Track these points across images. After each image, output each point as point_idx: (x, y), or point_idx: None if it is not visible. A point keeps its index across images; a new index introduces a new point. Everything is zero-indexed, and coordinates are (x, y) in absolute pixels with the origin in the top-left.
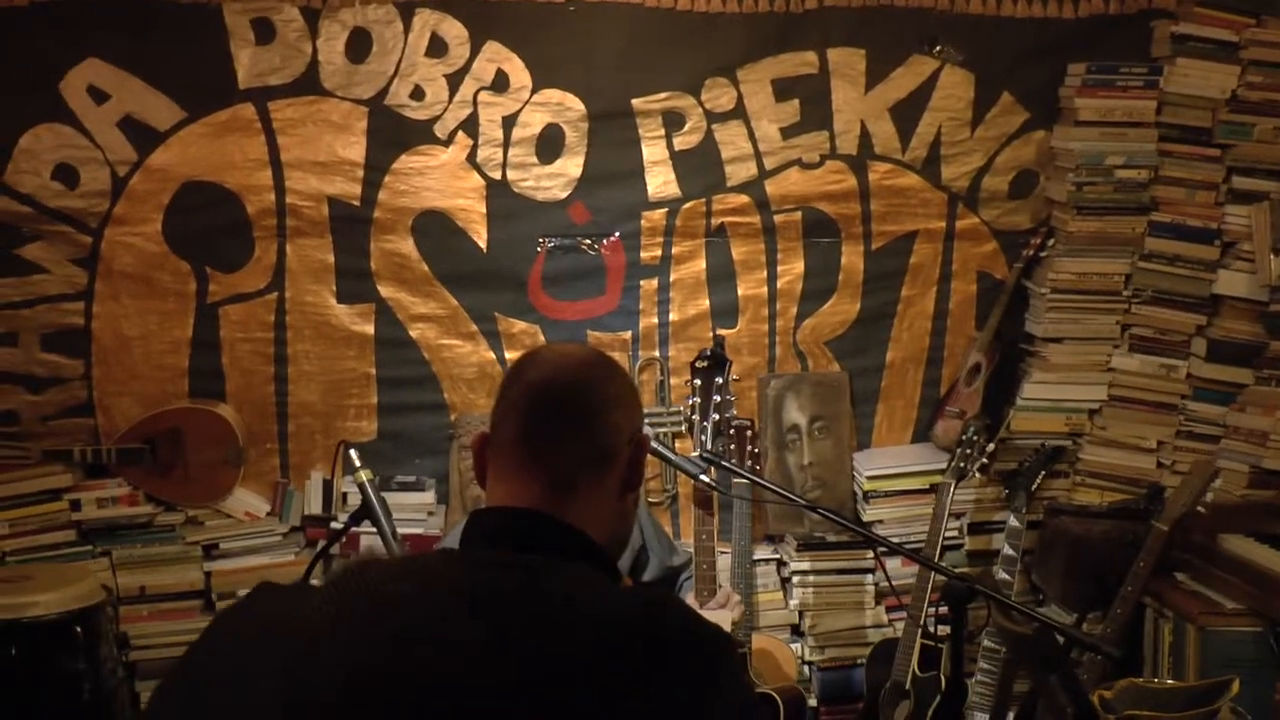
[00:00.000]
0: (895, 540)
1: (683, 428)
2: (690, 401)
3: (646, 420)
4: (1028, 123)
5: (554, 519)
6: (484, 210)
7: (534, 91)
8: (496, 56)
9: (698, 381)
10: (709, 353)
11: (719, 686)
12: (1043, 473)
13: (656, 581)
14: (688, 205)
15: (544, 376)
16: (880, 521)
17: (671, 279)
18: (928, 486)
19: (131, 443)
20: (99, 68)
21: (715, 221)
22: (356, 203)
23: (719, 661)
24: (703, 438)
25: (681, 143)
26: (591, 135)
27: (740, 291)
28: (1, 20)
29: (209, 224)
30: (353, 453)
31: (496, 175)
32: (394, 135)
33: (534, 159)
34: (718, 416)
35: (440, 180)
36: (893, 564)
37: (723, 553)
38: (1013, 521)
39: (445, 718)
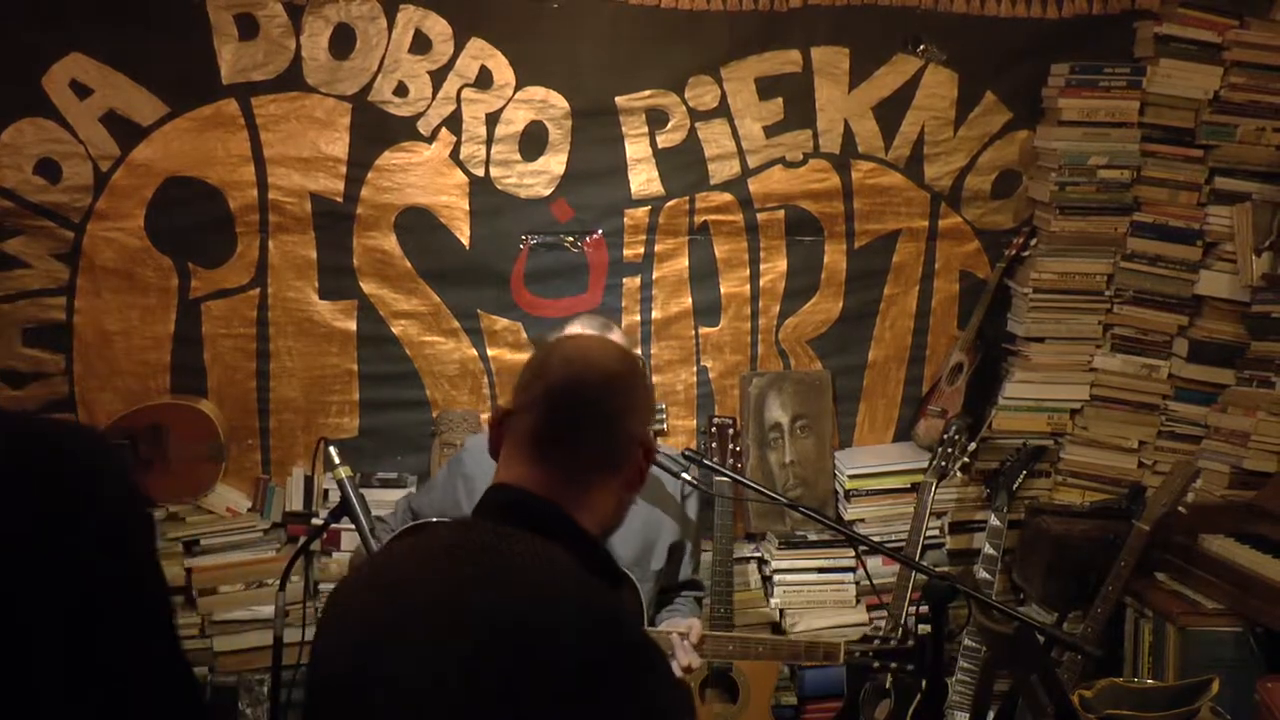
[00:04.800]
0: (876, 539)
1: (663, 425)
2: None
3: None
4: (1011, 122)
5: (550, 504)
6: (467, 207)
7: (517, 89)
8: (480, 53)
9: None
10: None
11: (623, 695)
12: (1024, 472)
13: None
14: (671, 203)
15: (569, 378)
16: (862, 520)
17: (654, 277)
18: (909, 485)
19: (112, 438)
20: (82, 62)
21: (698, 219)
22: (339, 199)
23: (628, 675)
24: None
25: (665, 140)
26: (575, 133)
27: (723, 290)
28: None
29: (192, 219)
30: (333, 449)
31: (479, 172)
32: (377, 131)
33: (517, 156)
34: None
35: (423, 177)
36: (874, 563)
37: (705, 551)
38: (994, 521)
39: (412, 669)
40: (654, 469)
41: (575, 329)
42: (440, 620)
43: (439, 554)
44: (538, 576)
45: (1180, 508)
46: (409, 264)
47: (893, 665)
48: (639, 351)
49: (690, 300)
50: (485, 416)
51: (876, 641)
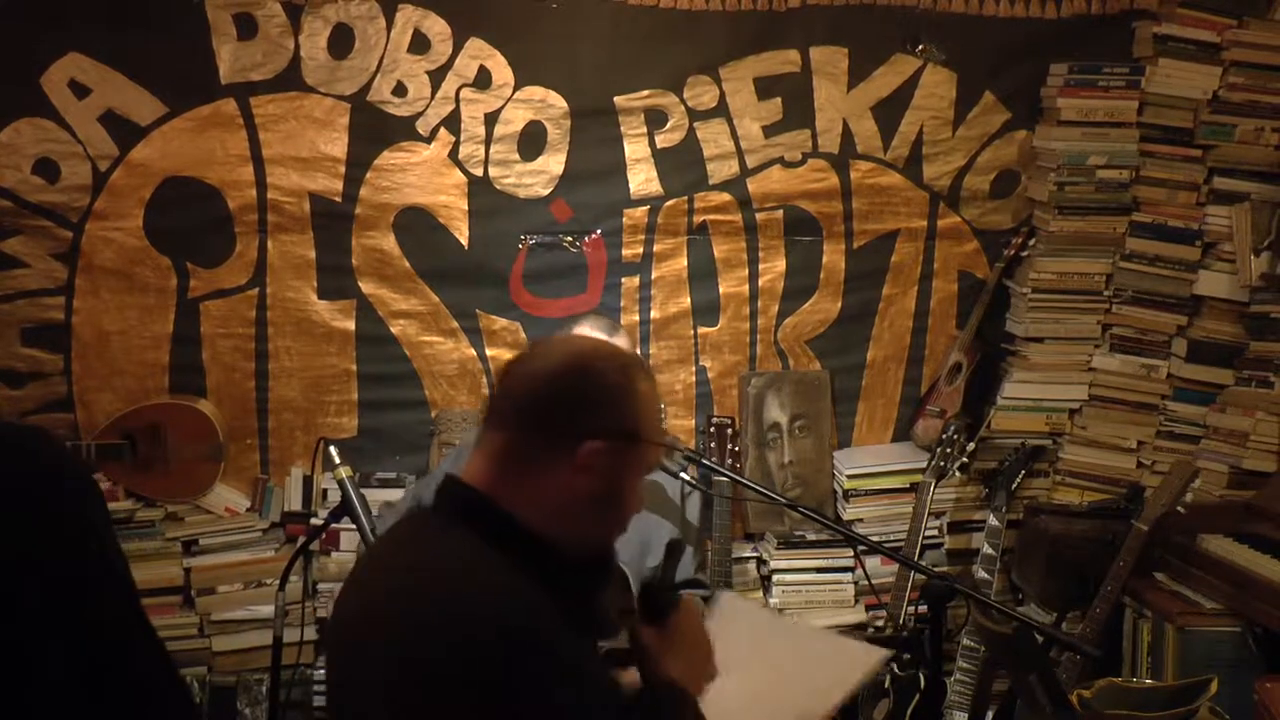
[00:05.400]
0: (875, 539)
1: (662, 426)
2: None
3: None
4: (1009, 122)
5: (480, 495)
6: (466, 207)
7: (516, 88)
8: (479, 53)
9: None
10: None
11: (473, 693)
12: (1023, 472)
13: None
14: (669, 203)
15: (523, 370)
16: (860, 520)
17: (653, 277)
18: (908, 485)
19: (111, 438)
20: (80, 62)
21: (697, 219)
22: (338, 199)
23: (479, 676)
24: None
25: (664, 140)
26: (574, 132)
27: (721, 289)
28: None
29: (190, 219)
30: (333, 449)
31: (478, 172)
32: (376, 131)
33: (516, 156)
34: None
35: (422, 177)
36: (872, 563)
37: (707, 551)
38: (992, 520)
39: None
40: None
41: (583, 330)
42: (359, 624)
43: (387, 550)
44: (429, 571)
45: (1179, 508)
46: (408, 264)
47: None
48: (638, 352)
49: (689, 300)
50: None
51: (871, 630)
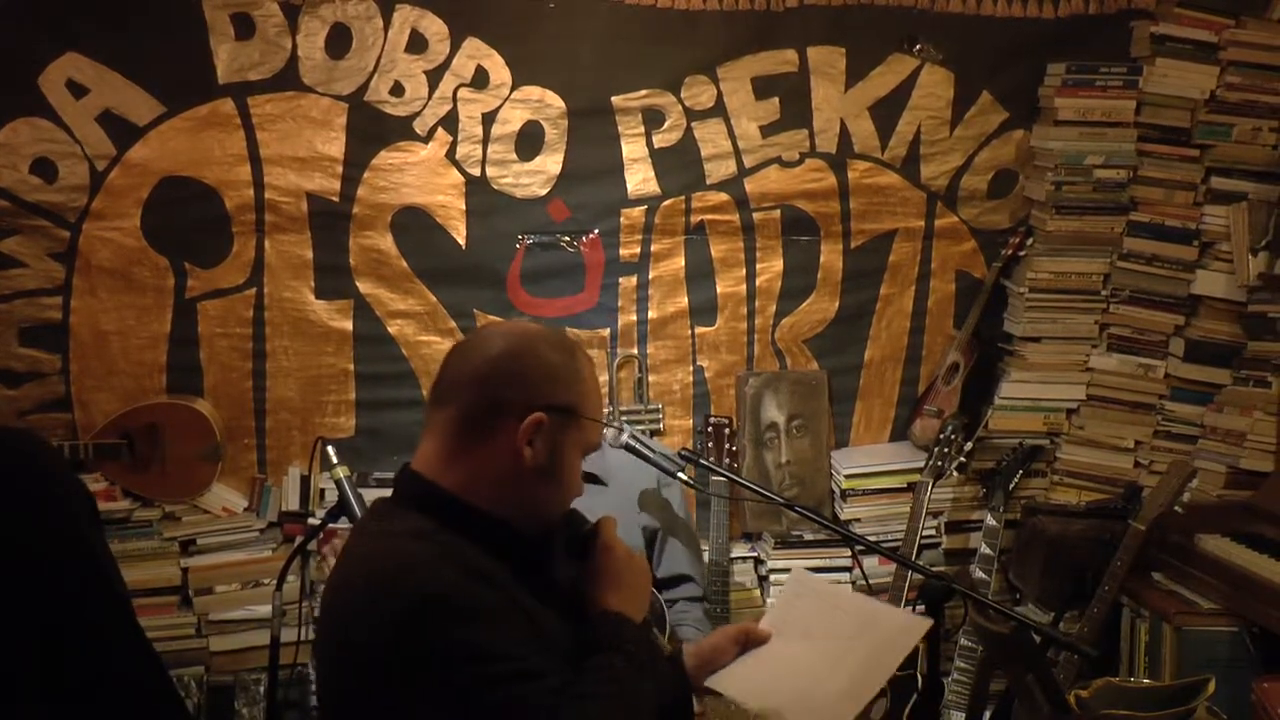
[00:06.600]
0: (873, 539)
1: (660, 425)
2: None
3: (625, 418)
4: (1007, 122)
5: (427, 482)
6: (463, 207)
7: (514, 88)
8: (477, 53)
9: None
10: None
11: (401, 642)
12: (1020, 472)
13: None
14: (667, 203)
15: (466, 352)
16: (858, 520)
17: (650, 276)
18: (905, 485)
19: (109, 438)
20: (78, 62)
21: (694, 219)
22: (336, 199)
23: (407, 624)
24: None
25: (661, 140)
26: (571, 132)
27: (719, 289)
28: None
29: (188, 219)
30: (330, 449)
31: (476, 172)
32: (373, 131)
33: (513, 156)
34: None
35: (420, 177)
36: (870, 562)
37: (703, 550)
38: (990, 520)
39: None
40: (625, 459)
41: None
42: (320, 618)
43: (348, 543)
44: (365, 556)
45: (1176, 507)
46: (405, 264)
47: None
48: (635, 351)
49: (686, 300)
50: None
51: None
